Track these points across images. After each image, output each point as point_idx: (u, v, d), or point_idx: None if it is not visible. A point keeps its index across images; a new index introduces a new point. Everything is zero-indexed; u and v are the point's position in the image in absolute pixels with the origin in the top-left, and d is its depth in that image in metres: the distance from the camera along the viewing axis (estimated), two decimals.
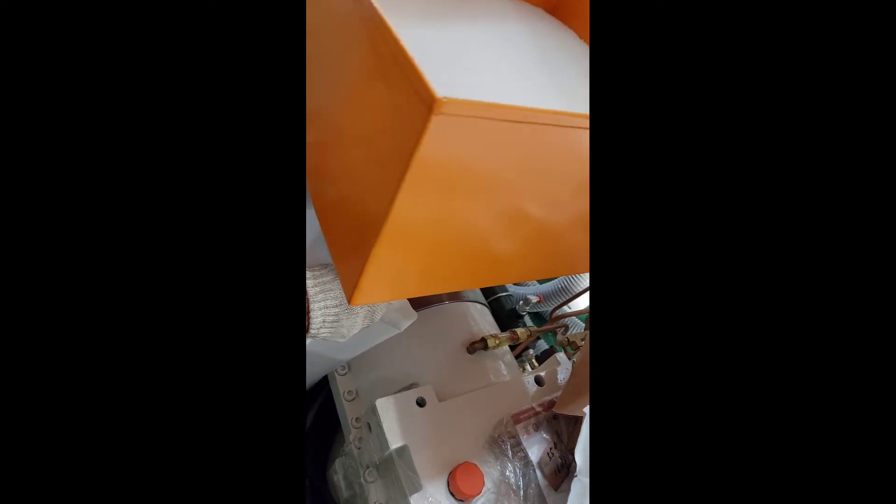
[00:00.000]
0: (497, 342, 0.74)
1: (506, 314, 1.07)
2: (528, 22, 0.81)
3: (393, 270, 0.49)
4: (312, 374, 0.77)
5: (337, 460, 0.72)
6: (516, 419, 0.66)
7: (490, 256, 0.58)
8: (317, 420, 0.80)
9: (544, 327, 0.85)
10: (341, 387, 0.74)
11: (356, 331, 0.58)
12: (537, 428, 0.67)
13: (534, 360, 0.96)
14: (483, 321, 0.83)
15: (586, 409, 0.53)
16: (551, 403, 0.69)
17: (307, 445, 0.78)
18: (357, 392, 0.73)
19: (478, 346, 0.73)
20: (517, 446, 0.64)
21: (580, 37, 0.85)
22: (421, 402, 0.65)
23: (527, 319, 1.10)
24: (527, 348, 1.02)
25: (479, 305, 0.86)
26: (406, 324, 0.66)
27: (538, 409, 0.68)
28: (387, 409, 0.62)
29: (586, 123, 0.44)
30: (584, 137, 0.47)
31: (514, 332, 0.77)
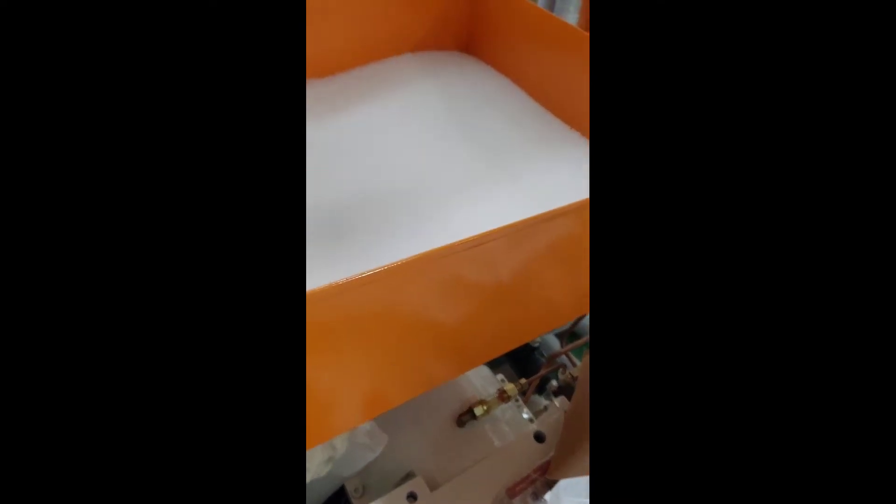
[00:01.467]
0: (485, 408, 0.72)
1: (519, 349, 1.05)
2: (438, 77, 0.79)
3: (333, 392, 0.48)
4: (316, 493, 0.78)
5: None
6: (512, 493, 0.65)
7: (457, 341, 0.55)
8: None
9: (539, 373, 0.81)
10: (349, 485, 0.75)
11: (323, 473, 0.58)
12: (537, 497, 0.65)
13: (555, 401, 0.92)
14: (478, 382, 0.81)
15: (548, 496, 0.51)
16: (548, 465, 0.66)
17: None
18: (364, 488, 0.74)
19: (465, 418, 0.72)
20: None
21: (496, 69, 0.82)
22: (413, 497, 0.65)
23: (548, 345, 1.07)
24: (548, 380, 0.99)
25: None
26: (380, 447, 0.66)
27: (534, 475, 0.66)
28: None
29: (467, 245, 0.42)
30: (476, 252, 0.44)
31: (503, 392, 0.75)
